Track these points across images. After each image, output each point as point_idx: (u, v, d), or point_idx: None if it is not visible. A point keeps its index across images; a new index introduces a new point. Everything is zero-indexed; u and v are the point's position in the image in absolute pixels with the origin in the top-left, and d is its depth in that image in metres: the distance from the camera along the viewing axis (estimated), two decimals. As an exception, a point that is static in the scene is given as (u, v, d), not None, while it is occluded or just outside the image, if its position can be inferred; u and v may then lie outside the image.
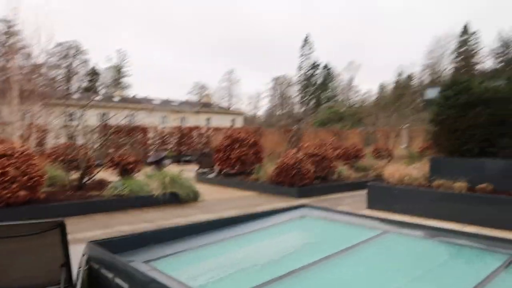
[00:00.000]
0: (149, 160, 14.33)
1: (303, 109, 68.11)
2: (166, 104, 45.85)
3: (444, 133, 7.43)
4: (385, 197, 7.56)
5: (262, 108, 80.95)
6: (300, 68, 73.85)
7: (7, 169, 6.65)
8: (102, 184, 9.15)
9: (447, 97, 7.57)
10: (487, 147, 6.99)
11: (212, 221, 5.63)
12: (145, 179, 8.98)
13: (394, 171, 8.07)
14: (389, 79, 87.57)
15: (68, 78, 59.44)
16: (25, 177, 6.80)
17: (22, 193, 6.73)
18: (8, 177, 6.62)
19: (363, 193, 10.01)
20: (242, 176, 11.34)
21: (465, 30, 60.47)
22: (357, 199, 9.15)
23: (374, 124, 30.39)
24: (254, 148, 11.72)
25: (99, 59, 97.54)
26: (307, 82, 72.32)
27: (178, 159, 19.19)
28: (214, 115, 49.09)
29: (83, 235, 5.89)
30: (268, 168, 10.59)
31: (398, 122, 20.03)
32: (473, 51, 59.59)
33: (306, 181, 9.49)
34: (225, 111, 54.35)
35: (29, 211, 6.79)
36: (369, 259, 2.86)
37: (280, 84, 73.81)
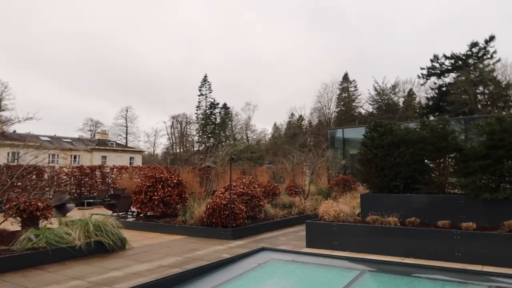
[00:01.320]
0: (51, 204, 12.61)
1: (202, 147, 68.14)
2: (56, 141, 41.60)
3: (373, 171, 8.08)
4: (324, 234, 7.78)
5: (160, 146, 78.81)
6: (198, 107, 74.53)
7: None
8: (4, 236, 7.72)
9: (373, 138, 8.31)
10: (411, 183, 7.78)
11: (176, 275, 5.11)
12: (62, 227, 7.83)
13: (327, 208, 8.40)
14: (282, 120, 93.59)
15: None
16: None
17: None
18: None
19: (293, 231, 10.22)
20: (166, 218, 10.65)
21: (345, 78, 68.24)
22: (291, 237, 9.25)
23: (275, 162, 31.73)
24: (178, 188, 11.18)
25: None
26: (206, 120, 73.03)
27: (80, 202, 17.28)
28: (111, 153, 46.01)
29: (0, 302, 4.81)
30: (196, 209, 10.16)
31: (300, 160, 21.25)
32: (353, 97, 67.30)
33: (239, 222, 9.32)
34: (123, 148, 51.42)
35: None
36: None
37: (179, 122, 73.15)
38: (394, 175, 7.81)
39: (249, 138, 70.97)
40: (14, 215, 8.78)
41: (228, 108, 74.90)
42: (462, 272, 4.78)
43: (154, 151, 72.42)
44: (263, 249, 5.88)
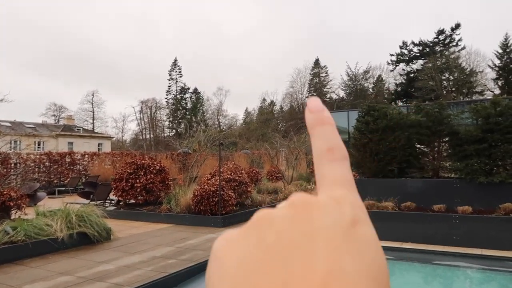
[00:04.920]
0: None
1: (173, 132, 66.91)
2: (18, 127, 39.37)
3: (367, 155, 7.94)
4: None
5: (129, 132, 76.66)
6: (169, 91, 72.78)
7: None
8: (-25, 229, 7.06)
9: (367, 123, 8.15)
10: (406, 168, 7.72)
11: (190, 268, 4.75)
12: (40, 218, 7.24)
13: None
14: (254, 105, 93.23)
15: None
16: None
17: None
18: None
19: (282, 217, 10.03)
20: (149, 206, 10.18)
21: (316, 64, 68.55)
22: (282, 224, 9.06)
23: (251, 148, 31.42)
24: (161, 175, 10.70)
25: None
26: (176, 106, 71.54)
27: (51, 190, 16.38)
28: (77, 139, 44.21)
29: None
30: (182, 197, 9.76)
31: (274, 145, 21.11)
32: (325, 82, 67.83)
33: (228, 209, 9.02)
34: (91, 134, 49.54)
35: None
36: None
37: (148, 107, 71.29)
38: (389, 160, 7.72)
39: (220, 124, 70.24)
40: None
41: (199, 93, 73.60)
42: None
43: (122, 137, 70.43)
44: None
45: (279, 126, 63.53)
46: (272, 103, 72.68)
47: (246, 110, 76.15)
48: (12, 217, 8.08)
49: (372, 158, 7.85)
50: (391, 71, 56.35)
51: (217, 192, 8.81)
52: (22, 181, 15.97)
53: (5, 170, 16.18)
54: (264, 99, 73.06)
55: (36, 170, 18.37)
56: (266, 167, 19.03)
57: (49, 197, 15.37)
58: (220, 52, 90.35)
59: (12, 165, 16.92)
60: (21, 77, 79.28)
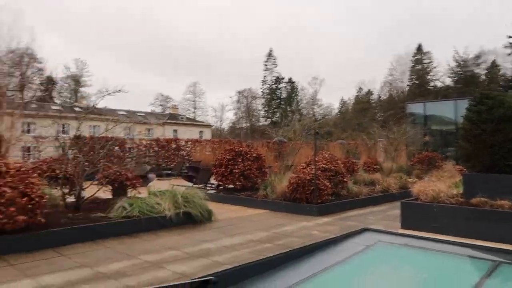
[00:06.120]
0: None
1: (268, 121, 68.17)
2: (131, 115, 43.92)
3: (480, 148, 7.17)
4: (422, 215, 7.13)
5: (227, 120, 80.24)
6: (264, 82, 74.18)
7: (3, 189, 5.54)
8: (98, 203, 8.07)
9: (479, 112, 7.34)
10: (529, 163, 6.79)
11: (283, 253, 4.87)
12: (151, 197, 7.98)
13: (423, 187, 7.69)
14: (349, 95, 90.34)
15: (22, 86, 55.61)
16: (25, 199, 5.71)
17: (20, 217, 5.61)
18: (4, 199, 5.51)
19: (380, 210, 9.63)
20: (246, 192, 10.57)
21: (419, 50, 63.52)
22: (380, 217, 8.70)
23: (346, 138, 30.60)
24: (257, 162, 11.02)
25: (57, 68, 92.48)
26: (271, 95, 72.68)
27: (159, 173, 18.00)
28: (181, 127, 47.70)
29: (106, 268, 4.92)
30: (277, 184, 9.93)
31: (372, 136, 20.11)
32: (428, 69, 62.60)
33: (324, 198, 8.93)
34: (193, 122, 53.05)
35: (28, 239, 5.69)
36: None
37: (244, 97, 73.63)
38: (506, 153, 6.85)
39: (315, 113, 69.54)
40: (105, 184, 9.20)
41: (293, 82, 73.75)
42: None
43: (221, 125, 74.04)
44: (365, 230, 5.45)
45: (376, 115, 60.69)
46: (369, 92, 69.69)
47: (342, 99, 74.33)
48: (128, 195, 9.05)
49: (485, 151, 7.05)
50: (508, 55, 49.72)
51: (313, 181, 8.77)
52: (136, 163, 17.78)
53: (122, 153, 18.20)
54: (360, 88, 70.43)
55: (147, 154, 20.31)
56: (363, 158, 18.34)
57: (157, 179, 16.90)
58: (315, 40, 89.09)
59: (127, 149, 18.94)
60: (131, 71, 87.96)
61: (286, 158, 14.77)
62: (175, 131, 45.86)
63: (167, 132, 42.84)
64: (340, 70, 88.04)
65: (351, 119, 60.69)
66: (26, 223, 5.77)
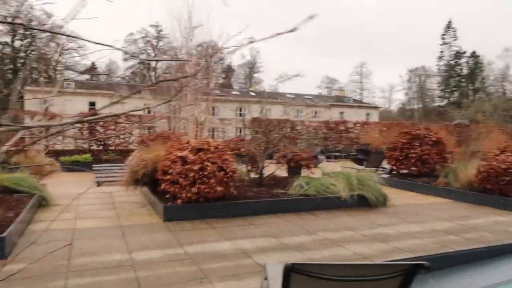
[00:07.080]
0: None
1: (444, 102, 61.36)
2: (299, 98, 45.69)
3: None
4: None
5: (396, 101, 75.61)
6: (440, 57, 66.55)
7: (206, 164, 6.55)
8: (278, 181, 8.76)
9: None
10: None
11: (477, 249, 4.48)
12: (326, 178, 8.22)
13: None
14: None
15: (207, 75, 64.10)
16: (221, 172, 6.63)
17: (218, 188, 6.56)
18: (207, 172, 6.51)
19: None
20: (423, 178, 9.84)
21: None
22: None
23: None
24: (437, 147, 10.11)
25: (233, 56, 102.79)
26: (449, 73, 64.80)
27: (328, 155, 18.37)
28: (347, 109, 47.26)
29: (289, 240, 5.34)
30: (461, 172, 8.92)
31: None
32: None
33: (522, 191, 7.61)
34: (359, 104, 51.91)
35: (224, 207, 6.62)
36: None
37: (417, 75, 67.77)
38: None
39: (506, 91, 59.05)
40: (283, 163, 9.90)
41: (478, 56, 63.84)
42: None
43: (389, 107, 70.30)
44: None
45: None
46: None
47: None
48: (302, 174, 9.54)
49: None
50: None
51: (510, 170, 7.57)
52: (307, 145, 18.54)
53: (293, 135, 19.18)
54: None
55: (316, 136, 20.89)
56: None
57: (326, 161, 17.26)
58: (506, 6, 74.76)
59: (298, 130, 19.85)
60: (297, 53, 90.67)
61: (471, 143, 13.12)
62: (341, 113, 45.70)
63: (333, 115, 43.06)
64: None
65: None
66: (222, 194, 6.72)
